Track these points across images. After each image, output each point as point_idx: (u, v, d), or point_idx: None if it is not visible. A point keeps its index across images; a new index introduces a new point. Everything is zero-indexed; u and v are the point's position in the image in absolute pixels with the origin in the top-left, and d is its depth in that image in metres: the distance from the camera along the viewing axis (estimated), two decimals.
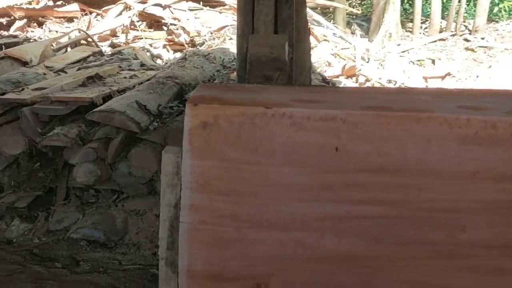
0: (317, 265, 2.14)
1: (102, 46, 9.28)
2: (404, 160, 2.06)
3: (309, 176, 2.10)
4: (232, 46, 9.11)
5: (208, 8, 12.12)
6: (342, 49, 11.97)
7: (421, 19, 17.24)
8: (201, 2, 12.14)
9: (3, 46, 8.12)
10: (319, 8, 16.73)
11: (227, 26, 11.17)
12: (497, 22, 17.94)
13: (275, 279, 2.15)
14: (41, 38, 9.68)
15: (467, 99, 2.29)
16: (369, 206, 2.09)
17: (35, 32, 10.62)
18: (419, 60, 12.80)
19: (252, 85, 2.61)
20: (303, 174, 2.09)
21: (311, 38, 7.67)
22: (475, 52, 13.97)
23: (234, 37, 9.30)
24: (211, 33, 10.84)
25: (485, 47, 14.29)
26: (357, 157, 2.08)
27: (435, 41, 15.23)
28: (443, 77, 11.46)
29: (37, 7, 11.92)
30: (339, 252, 2.13)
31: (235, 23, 5.03)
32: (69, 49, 8.69)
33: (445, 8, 18.01)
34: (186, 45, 10.22)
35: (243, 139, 2.09)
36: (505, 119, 2.03)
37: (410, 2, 19.48)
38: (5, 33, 10.38)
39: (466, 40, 15.16)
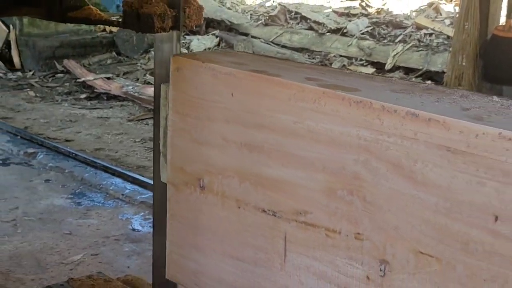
0: (228, 173, 3.14)
1: None
2: (259, 106, 2.93)
3: (222, 111, 3.10)
4: None
5: None
6: None
7: None
8: None
9: None
10: None
11: None
12: None
13: (206, 178, 3.23)
14: None
15: (320, 73, 2.97)
16: (250, 141, 3.00)
17: None
18: None
19: (238, 52, 3.55)
20: (219, 108, 3.11)
21: None
22: None
23: None
24: None
25: None
26: (241, 101, 3.02)
27: None
28: None
29: None
30: (236, 167, 3.10)
31: None
32: None
33: None
34: None
35: (192, 80, 3.20)
36: (309, 87, 2.75)
37: None
38: None
39: None
